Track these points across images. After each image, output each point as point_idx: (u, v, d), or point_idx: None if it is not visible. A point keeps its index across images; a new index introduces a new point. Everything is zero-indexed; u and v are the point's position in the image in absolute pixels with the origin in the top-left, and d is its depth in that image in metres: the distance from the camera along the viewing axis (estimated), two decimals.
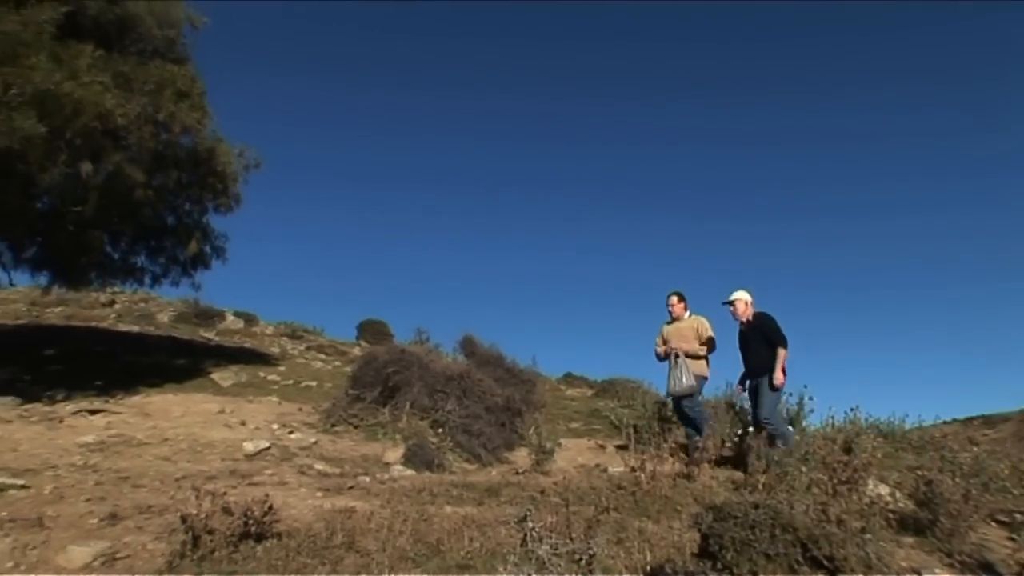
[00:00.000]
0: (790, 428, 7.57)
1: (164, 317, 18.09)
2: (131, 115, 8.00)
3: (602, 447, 9.33)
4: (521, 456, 8.33)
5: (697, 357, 7.84)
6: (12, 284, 11.62)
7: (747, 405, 7.96)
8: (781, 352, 7.10)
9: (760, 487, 5.34)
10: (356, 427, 8.40)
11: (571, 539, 3.59)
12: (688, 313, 8.16)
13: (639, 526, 4.41)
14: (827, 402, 15.74)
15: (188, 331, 16.81)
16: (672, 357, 7.87)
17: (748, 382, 7.51)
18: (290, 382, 11.52)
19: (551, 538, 3.57)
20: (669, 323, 8.10)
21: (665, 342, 7.98)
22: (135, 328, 16.17)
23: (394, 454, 7.28)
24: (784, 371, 7.10)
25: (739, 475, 6.15)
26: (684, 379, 7.76)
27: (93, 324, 16.12)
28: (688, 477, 5.83)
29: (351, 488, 5.48)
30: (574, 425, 11.18)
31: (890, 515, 4.55)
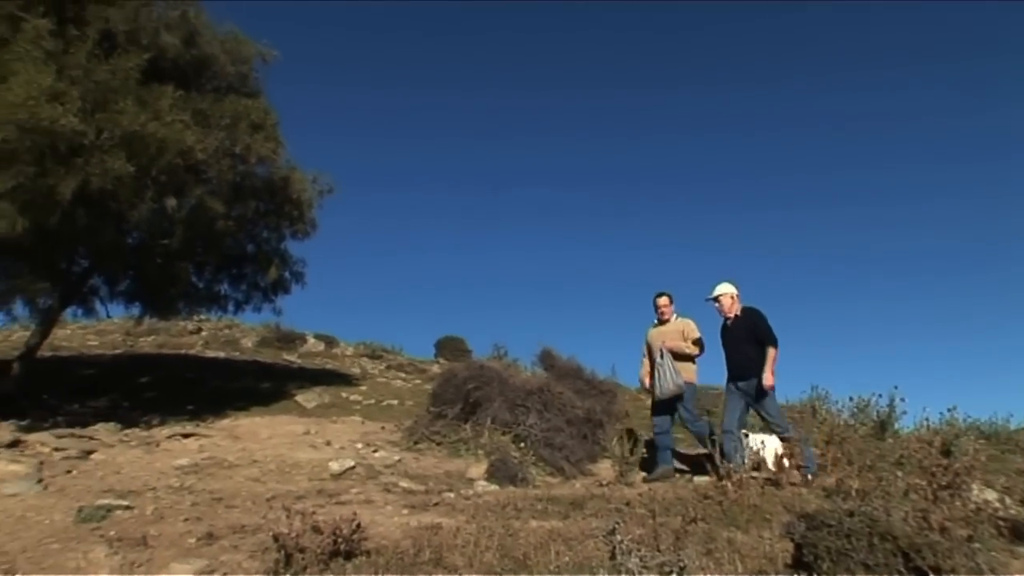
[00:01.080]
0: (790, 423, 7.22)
1: (248, 342, 18.66)
2: (210, 150, 8.32)
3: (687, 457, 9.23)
4: (604, 468, 8.29)
5: (684, 359, 7.62)
6: (109, 316, 12.25)
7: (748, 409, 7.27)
8: (772, 352, 6.82)
9: (853, 493, 5.19)
10: (439, 444, 8.51)
11: (659, 551, 3.55)
12: (675, 316, 7.93)
13: (728, 536, 4.33)
14: (919, 402, 15.08)
15: (271, 355, 17.29)
16: (658, 355, 7.59)
17: (731, 384, 7.16)
18: (372, 401, 11.73)
19: (640, 550, 3.53)
20: (655, 326, 7.89)
21: (650, 350, 7.73)
22: (221, 354, 16.74)
23: (477, 470, 7.33)
24: (773, 372, 6.83)
25: (830, 482, 5.98)
26: (671, 379, 7.45)
27: (183, 351, 16.76)
28: (776, 484, 5.71)
29: (436, 505, 5.55)
30: None
31: (1000, 523, 4.35)
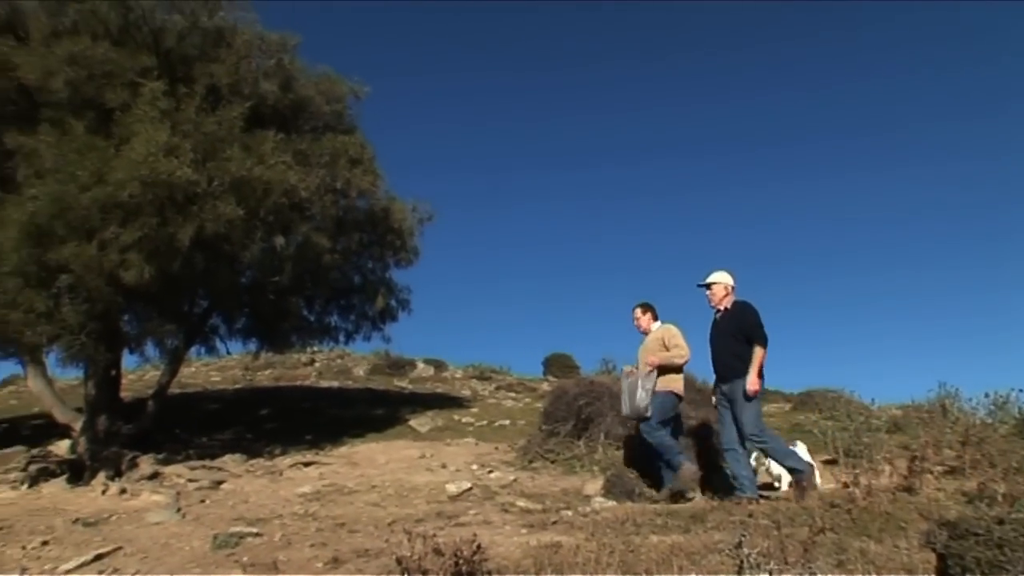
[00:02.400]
0: (789, 449, 6.43)
1: (360, 371, 19.21)
2: (312, 187, 8.69)
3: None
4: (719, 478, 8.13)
5: (668, 370, 6.83)
6: (228, 352, 12.84)
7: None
8: (759, 352, 6.11)
9: (1000, 498, 4.88)
10: (553, 462, 8.53)
11: (787, 563, 3.40)
12: (657, 324, 7.23)
13: (860, 547, 4.13)
14: None
15: (383, 382, 17.75)
16: (624, 376, 7.10)
17: (716, 389, 6.55)
18: (484, 422, 11.88)
19: (768, 564, 3.39)
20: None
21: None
22: (335, 383, 17.31)
23: (593, 486, 7.28)
24: (761, 375, 6.14)
25: (970, 486, 5.62)
26: (636, 397, 6.77)
27: (298, 383, 17.43)
28: (910, 490, 5.42)
29: (554, 523, 5.55)
30: None
31: None
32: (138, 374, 17.52)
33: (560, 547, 4.45)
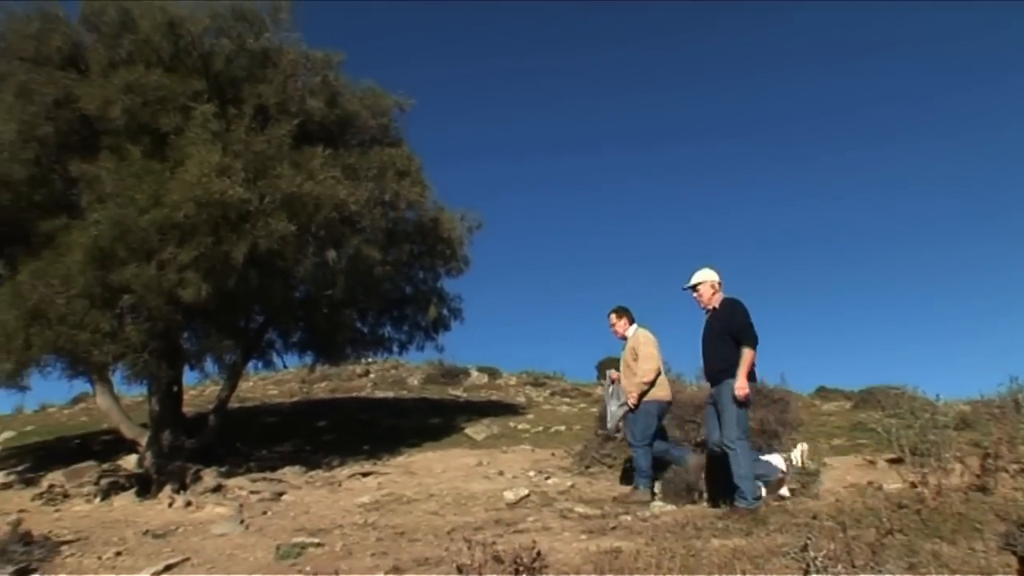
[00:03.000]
0: (767, 459, 6.25)
1: (414, 380, 19.35)
2: (362, 200, 8.80)
3: (872, 463, 8.66)
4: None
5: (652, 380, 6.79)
6: (285, 366, 13.12)
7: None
8: (747, 353, 5.76)
9: None
10: (610, 467, 8.50)
11: (855, 567, 3.30)
12: (633, 328, 7.14)
13: (932, 549, 4.00)
14: None
15: (437, 391, 17.86)
16: (607, 384, 7.06)
17: (710, 393, 6.22)
18: (540, 429, 11.88)
19: (835, 567, 3.29)
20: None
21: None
22: (390, 394, 17.47)
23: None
24: (752, 378, 5.85)
25: None
26: (611, 419, 7.00)
27: (354, 394, 17.63)
28: (983, 490, 5.23)
29: (614, 528, 5.52)
30: (836, 442, 10.51)
31: None
32: (199, 390, 17.93)
33: (620, 552, 4.43)
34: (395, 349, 12.15)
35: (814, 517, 5.04)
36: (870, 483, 7.14)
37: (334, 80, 9.63)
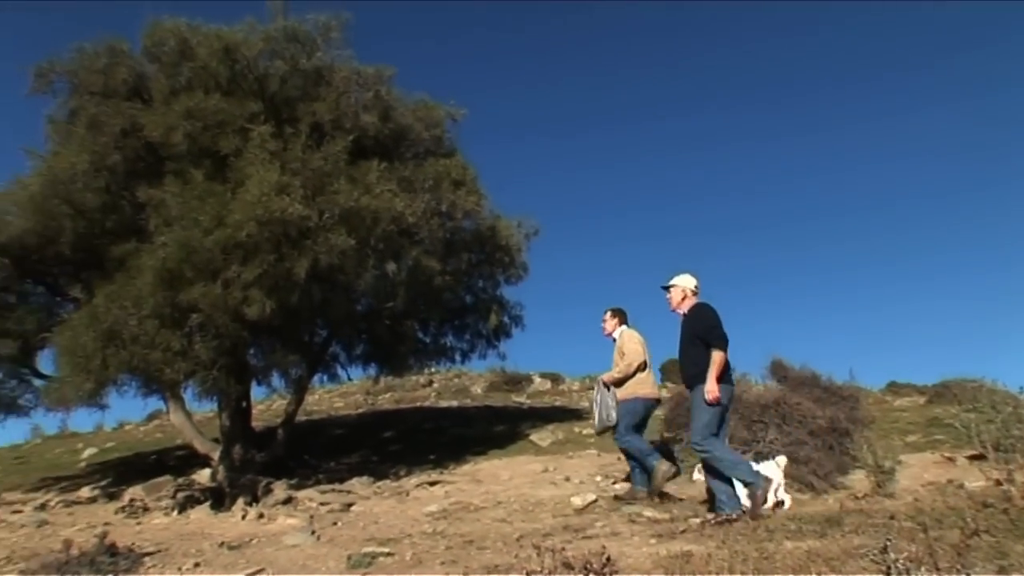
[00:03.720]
0: (739, 458, 6.05)
1: (477, 388, 19.47)
2: (419, 212, 8.89)
3: (950, 460, 8.34)
4: (858, 479, 7.71)
5: (628, 378, 6.96)
6: (349, 379, 13.34)
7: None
8: (715, 355, 5.71)
9: None
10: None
11: (939, 570, 3.14)
12: (621, 329, 7.29)
13: None
14: None
15: (501, 398, 17.92)
16: (596, 386, 7.15)
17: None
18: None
19: (918, 570, 3.13)
20: None
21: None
22: (454, 403, 17.59)
23: None
24: (723, 380, 5.77)
25: None
26: (601, 413, 7.06)
27: (418, 404, 17.81)
28: None
29: (683, 532, 5.42)
30: (911, 438, 10.17)
31: None
32: (266, 404, 18.34)
33: (691, 556, 4.34)
34: (457, 358, 12.22)
35: (892, 517, 4.86)
36: (950, 481, 6.88)
37: (386, 94, 9.76)
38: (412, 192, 9.07)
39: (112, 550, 5.70)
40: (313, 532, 6.51)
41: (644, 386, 6.97)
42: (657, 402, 7.17)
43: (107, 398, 8.96)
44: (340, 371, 11.99)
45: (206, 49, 8.89)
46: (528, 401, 17.44)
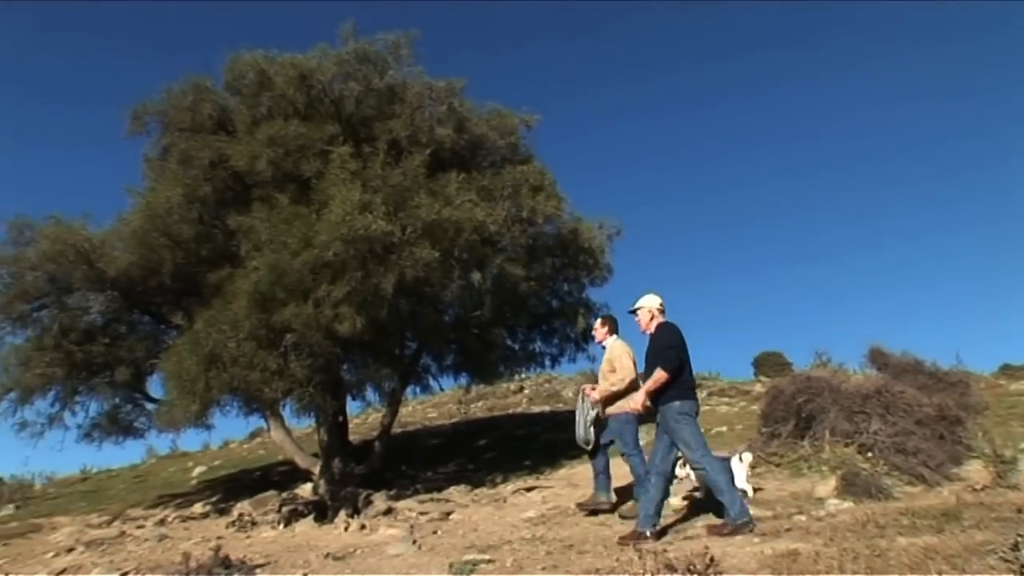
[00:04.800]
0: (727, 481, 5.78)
1: (568, 392, 19.37)
2: (500, 220, 8.94)
3: None
4: (975, 470, 7.31)
5: (620, 393, 6.81)
6: (441, 389, 13.48)
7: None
8: (657, 372, 5.69)
9: None
10: (778, 465, 8.15)
11: None
12: (612, 339, 7.12)
13: None
14: None
15: None
16: (580, 397, 7.00)
17: None
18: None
19: None
20: None
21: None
22: (546, 408, 17.60)
23: (825, 487, 6.86)
24: (651, 394, 5.77)
25: None
26: (581, 426, 7.04)
27: (510, 411, 17.90)
28: None
29: (788, 530, 5.27)
30: None
31: None
32: (362, 418, 18.77)
33: (798, 555, 4.21)
34: (547, 363, 12.19)
35: (1020, 511, 4.59)
36: None
37: (459, 106, 9.87)
38: (492, 201, 9.13)
39: (226, 562, 5.96)
40: (414, 541, 6.61)
41: (632, 402, 6.69)
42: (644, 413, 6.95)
43: (212, 418, 9.39)
44: (432, 382, 12.16)
45: (283, 78, 9.20)
46: None
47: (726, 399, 15.62)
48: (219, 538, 7.89)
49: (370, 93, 9.58)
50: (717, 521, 5.85)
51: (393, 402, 11.03)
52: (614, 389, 6.86)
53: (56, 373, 10.23)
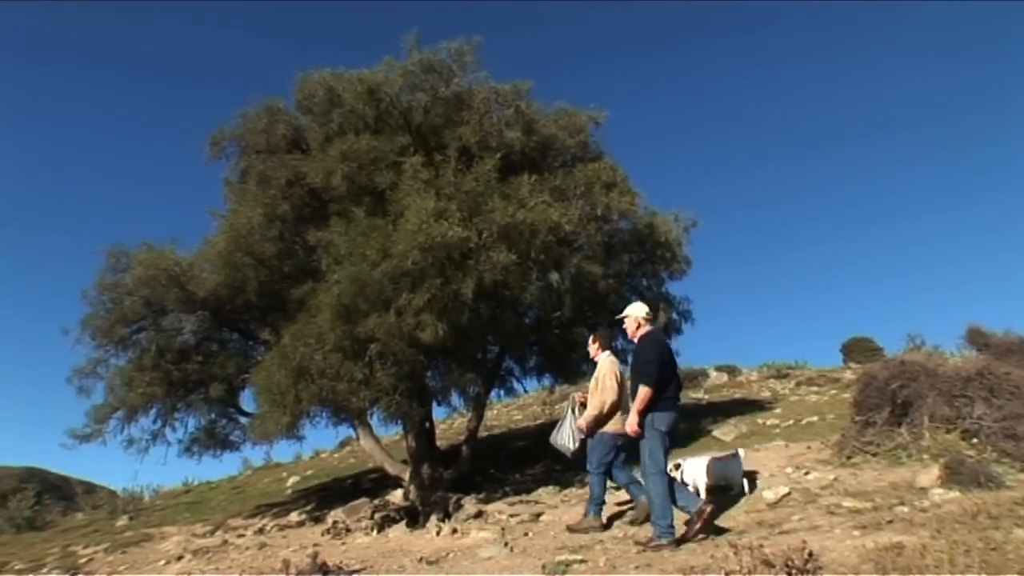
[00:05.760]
0: (668, 504, 5.70)
1: None
2: (574, 219, 8.91)
3: None
4: None
5: (598, 418, 6.71)
6: (525, 391, 13.54)
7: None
8: (641, 390, 5.70)
9: None
10: (874, 455, 7.84)
11: None
12: (603, 355, 7.07)
13: None
14: None
15: None
16: (568, 406, 7.15)
17: None
18: (790, 422, 11.29)
19: None
20: None
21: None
22: None
23: (927, 476, 6.53)
24: (642, 413, 5.71)
25: None
26: (563, 435, 7.06)
27: None
28: None
29: (890, 522, 5.08)
30: None
31: None
32: (448, 423, 18.95)
33: (903, 548, 4.03)
34: (630, 360, 12.08)
35: None
36: None
37: (526, 108, 9.91)
38: (565, 201, 9.12)
39: (324, 568, 6.12)
40: (506, 544, 6.63)
41: (614, 424, 6.76)
42: (624, 437, 6.65)
43: (302, 429, 9.61)
44: (515, 384, 12.22)
45: (351, 93, 9.40)
46: (706, 396, 17.00)
47: (815, 388, 15.21)
48: (316, 545, 8.09)
49: (437, 102, 9.70)
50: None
51: (478, 406, 11.11)
52: (593, 413, 6.81)
53: (156, 392, 10.72)
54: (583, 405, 7.09)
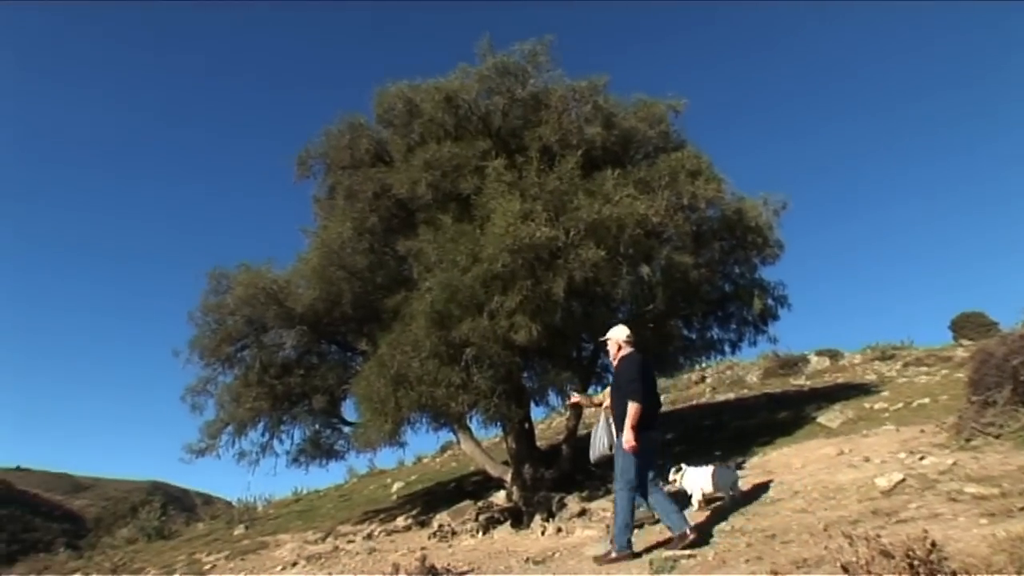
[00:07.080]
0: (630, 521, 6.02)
1: (752, 377, 18.78)
2: (661, 211, 8.83)
3: None
4: None
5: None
6: None
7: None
8: (630, 407, 5.95)
9: None
10: (996, 436, 7.38)
11: None
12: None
13: None
14: None
15: (778, 384, 17.15)
16: (603, 414, 6.96)
17: None
18: (900, 405, 10.82)
19: None
20: None
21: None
22: (730, 395, 17.10)
23: None
24: (635, 428, 5.90)
25: None
26: (598, 443, 6.88)
27: (693, 402, 17.52)
28: None
29: (1021, 509, 4.81)
30: None
31: None
32: (546, 423, 19.01)
33: None
34: (726, 349, 11.87)
35: None
36: None
37: (604, 103, 9.86)
38: (650, 192, 9.03)
39: (433, 571, 6.26)
40: (611, 541, 6.61)
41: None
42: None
43: (404, 436, 9.83)
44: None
45: (429, 103, 9.56)
46: (808, 382, 16.51)
47: (924, 368, 14.57)
48: (423, 548, 8.25)
49: (515, 104, 9.76)
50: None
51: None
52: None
53: (262, 406, 11.14)
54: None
